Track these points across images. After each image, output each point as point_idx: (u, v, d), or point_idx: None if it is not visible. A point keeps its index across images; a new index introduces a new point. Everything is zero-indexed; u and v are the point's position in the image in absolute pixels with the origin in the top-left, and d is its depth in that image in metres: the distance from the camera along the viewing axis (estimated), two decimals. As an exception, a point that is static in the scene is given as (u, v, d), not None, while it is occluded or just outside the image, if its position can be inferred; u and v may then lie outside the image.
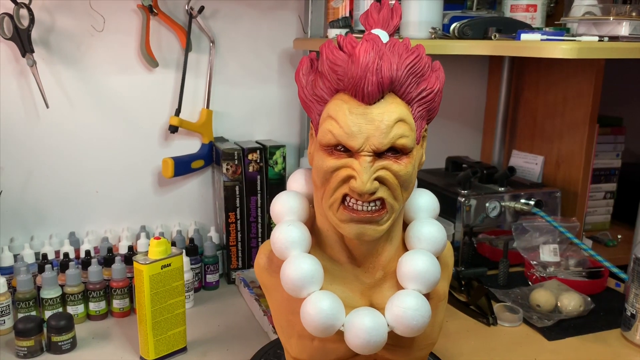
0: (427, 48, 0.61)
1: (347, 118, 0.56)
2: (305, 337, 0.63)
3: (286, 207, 0.65)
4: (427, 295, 0.61)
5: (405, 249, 0.65)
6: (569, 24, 1.03)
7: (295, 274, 0.59)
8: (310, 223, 0.67)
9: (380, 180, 0.57)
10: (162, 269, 0.85)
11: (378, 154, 0.57)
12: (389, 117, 0.56)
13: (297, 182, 0.68)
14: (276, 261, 0.64)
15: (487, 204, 1.17)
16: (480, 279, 1.07)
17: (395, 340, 0.61)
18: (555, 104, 1.32)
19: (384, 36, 0.62)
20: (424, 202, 0.67)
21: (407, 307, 0.58)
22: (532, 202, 1.17)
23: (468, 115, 1.50)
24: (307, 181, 0.68)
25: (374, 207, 0.58)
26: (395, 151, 0.58)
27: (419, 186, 0.68)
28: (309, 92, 0.61)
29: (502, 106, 1.41)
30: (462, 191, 1.17)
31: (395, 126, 0.57)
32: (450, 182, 1.24)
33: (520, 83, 1.42)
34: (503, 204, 1.19)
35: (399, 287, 0.62)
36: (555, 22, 1.10)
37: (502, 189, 1.21)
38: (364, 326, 0.57)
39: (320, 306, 0.58)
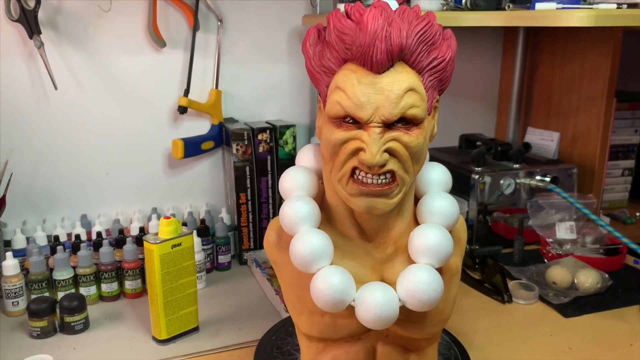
0: (439, 20, 0.59)
1: (355, 88, 0.55)
2: (315, 313, 0.62)
3: (295, 182, 0.64)
4: (440, 270, 0.60)
5: (416, 223, 0.64)
6: (585, -8, 1.00)
7: (304, 249, 0.58)
8: (320, 199, 0.65)
9: (391, 152, 0.56)
10: (172, 248, 0.84)
11: (388, 125, 0.55)
12: (398, 87, 0.54)
13: (306, 157, 0.67)
14: (285, 237, 0.63)
15: (501, 181, 1.15)
16: (494, 257, 1.05)
17: (407, 316, 0.60)
18: (572, 78, 1.29)
19: (393, 4, 0.60)
20: (436, 175, 0.65)
21: (418, 281, 0.57)
22: (547, 179, 1.14)
23: (482, 92, 1.47)
24: (316, 156, 0.67)
25: (384, 180, 0.57)
26: (406, 122, 0.56)
27: (431, 162, 0.67)
28: (316, 64, 0.59)
29: (517, 82, 1.38)
30: (476, 168, 1.15)
31: (406, 96, 0.55)
32: (464, 160, 1.22)
33: (535, 58, 1.39)
34: (518, 181, 1.16)
35: (411, 262, 0.60)
36: (572, -8, 1.07)
37: (517, 165, 1.19)
38: (375, 301, 0.56)
39: (331, 281, 0.57)
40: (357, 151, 0.56)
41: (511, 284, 1.00)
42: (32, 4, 1.00)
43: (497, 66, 1.47)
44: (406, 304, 0.58)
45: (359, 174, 0.57)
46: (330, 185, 0.62)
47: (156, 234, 0.86)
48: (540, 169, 1.19)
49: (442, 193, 0.64)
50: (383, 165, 0.56)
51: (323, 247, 0.59)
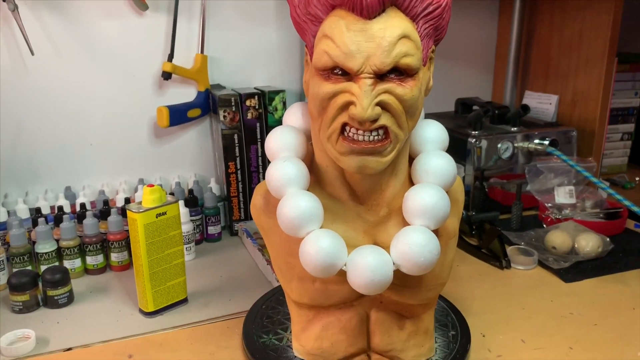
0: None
1: (344, 36, 0.51)
2: (305, 279, 0.59)
3: (281, 143, 0.60)
4: (436, 232, 0.57)
5: (411, 183, 0.60)
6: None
7: (292, 212, 0.55)
8: (309, 160, 0.62)
9: (383, 105, 0.52)
10: (157, 217, 0.81)
11: (380, 76, 0.51)
12: (391, 33, 0.50)
13: (293, 116, 0.63)
14: (273, 201, 0.60)
15: (499, 145, 1.12)
16: (492, 222, 1.02)
17: (401, 280, 0.57)
18: (571, 38, 1.24)
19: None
20: (432, 133, 0.62)
21: (413, 243, 0.53)
22: (546, 142, 1.11)
23: (478, 55, 1.43)
24: (304, 115, 0.63)
25: (376, 137, 0.53)
26: (400, 72, 0.52)
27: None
28: (301, 12, 0.55)
29: (514, 44, 1.33)
30: (473, 132, 1.11)
31: (399, 43, 0.51)
32: (461, 124, 1.18)
33: (533, 18, 1.34)
34: (516, 144, 1.13)
35: (405, 224, 0.57)
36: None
37: (515, 129, 1.15)
38: (368, 264, 0.53)
39: (320, 244, 0.53)
40: (347, 105, 0.52)
41: (510, 249, 0.97)
42: (3, -37, 0.94)
43: (494, 27, 1.42)
44: (400, 268, 0.55)
45: (350, 131, 0.53)
46: (319, 144, 0.59)
47: (140, 203, 0.82)
48: (538, 131, 1.15)
49: (438, 151, 0.61)
50: (375, 120, 0.52)
51: (312, 210, 0.55)
